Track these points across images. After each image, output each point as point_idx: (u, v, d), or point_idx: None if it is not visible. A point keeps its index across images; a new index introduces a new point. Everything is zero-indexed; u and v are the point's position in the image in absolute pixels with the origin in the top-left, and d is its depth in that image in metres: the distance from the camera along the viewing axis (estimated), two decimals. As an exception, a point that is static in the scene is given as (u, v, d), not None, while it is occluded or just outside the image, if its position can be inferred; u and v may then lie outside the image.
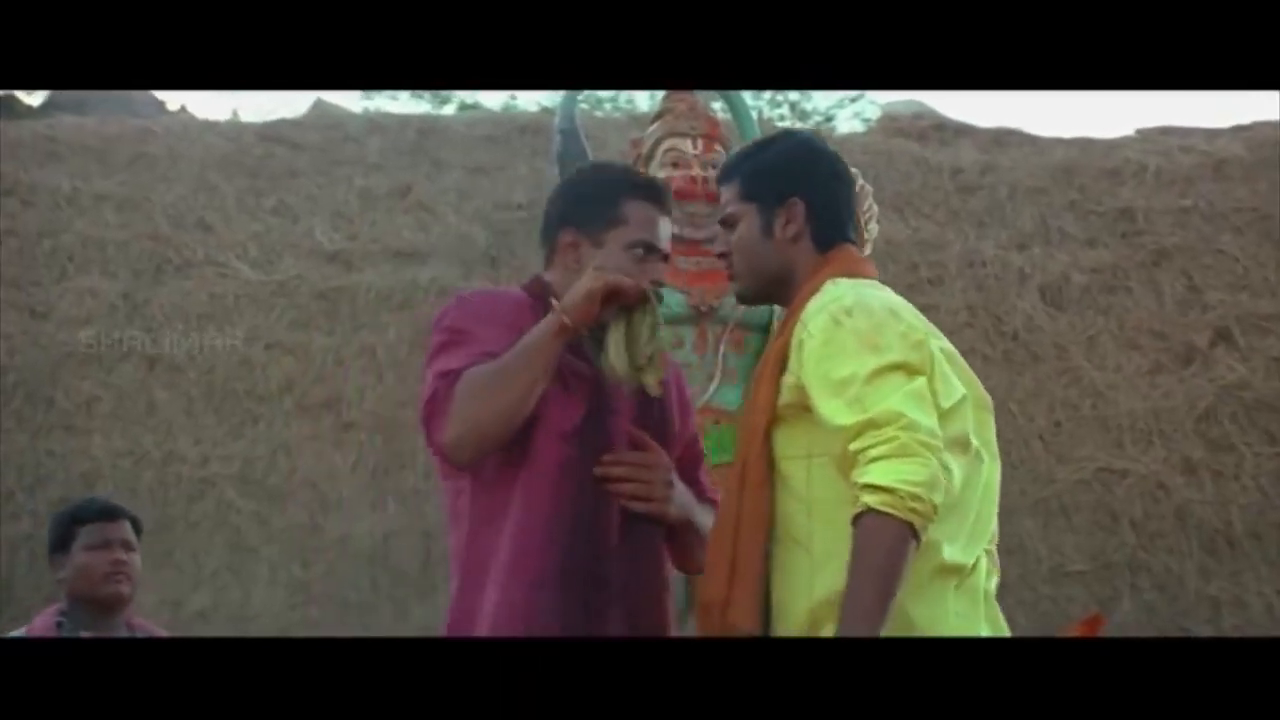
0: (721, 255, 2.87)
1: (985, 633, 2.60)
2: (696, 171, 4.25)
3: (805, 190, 2.77)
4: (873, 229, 4.38)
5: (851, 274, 2.72)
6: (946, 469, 2.46)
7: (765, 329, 4.16)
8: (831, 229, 2.78)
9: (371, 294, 8.31)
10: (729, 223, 2.82)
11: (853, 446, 2.45)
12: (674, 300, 4.13)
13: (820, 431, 2.55)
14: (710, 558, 2.66)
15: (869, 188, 4.33)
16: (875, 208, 4.38)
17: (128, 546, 4.00)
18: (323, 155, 9.13)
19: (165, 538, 7.43)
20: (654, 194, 2.85)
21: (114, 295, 8.23)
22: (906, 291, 7.78)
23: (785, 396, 2.62)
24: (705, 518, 2.82)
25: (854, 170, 4.23)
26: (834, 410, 2.50)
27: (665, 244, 2.84)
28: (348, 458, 7.74)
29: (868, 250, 4.34)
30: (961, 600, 2.59)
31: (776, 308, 4.02)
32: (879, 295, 2.67)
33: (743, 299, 2.91)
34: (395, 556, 7.38)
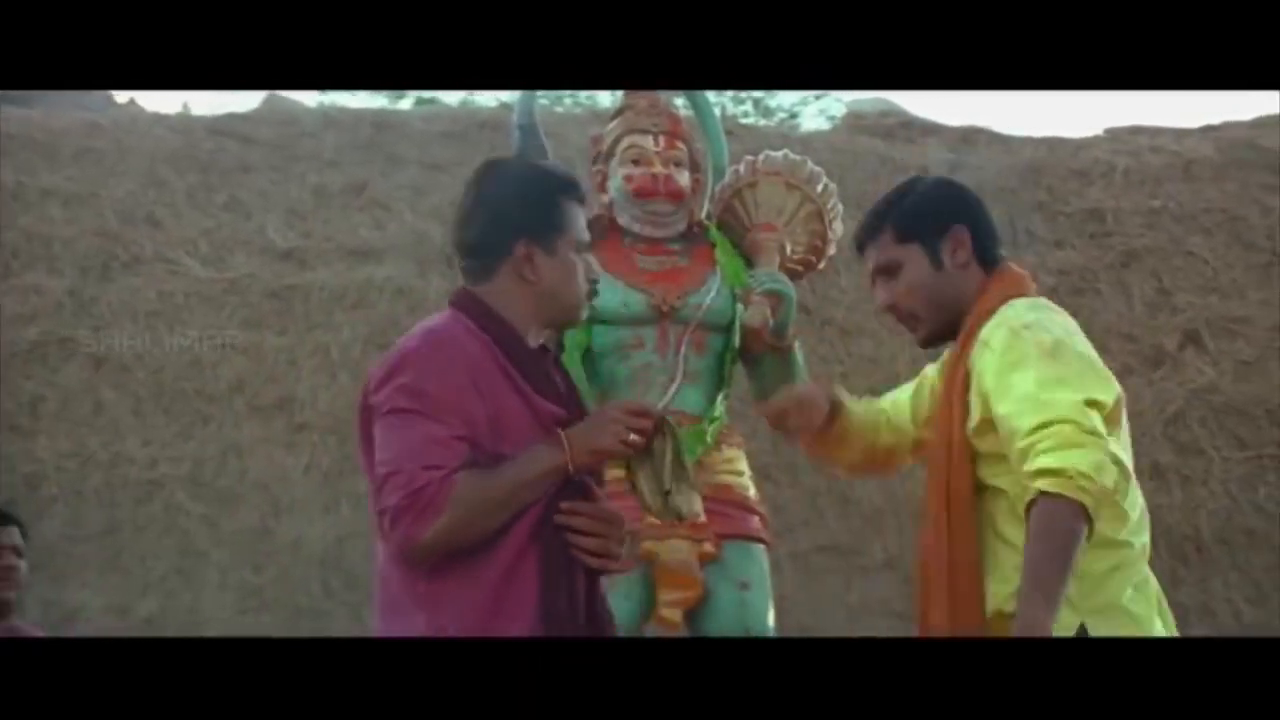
0: (889, 309, 2.96)
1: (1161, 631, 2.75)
2: (658, 169, 4.16)
3: (965, 217, 2.89)
4: (838, 228, 4.30)
5: (1024, 293, 2.84)
6: (1120, 465, 2.57)
7: (727, 330, 4.08)
8: (993, 249, 2.90)
9: (325, 293, 8.28)
10: (889, 271, 2.91)
11: (1021, 444, 2.58)
12: (634, 300, 4.08)
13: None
14: (929, 592, 2.79)
15: (834, 187, 4.25)
16: (840, 207, 4.29)
17: (16, 552, 3.99)
18: (276, 150, 9.08)
19: (112, 541, 7.41)
20: (578, 190, 2.84)
21: (60, 293, 8.17)
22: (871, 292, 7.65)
23: (975, 415, 2.72)
24: None
25: (818, 169, 4.20)
26: (1009, 413, 2.62)
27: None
28: (300, 460, 7.72)
29: (831, 250, 4.26)
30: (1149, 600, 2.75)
31: (739, 306, 3.96)
32: (1059, 318, 2.80)
33: (927, 343, 2.99)
34: (349, 560, 7.32)
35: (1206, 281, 8.54)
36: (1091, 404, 2.59)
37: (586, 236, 2.80)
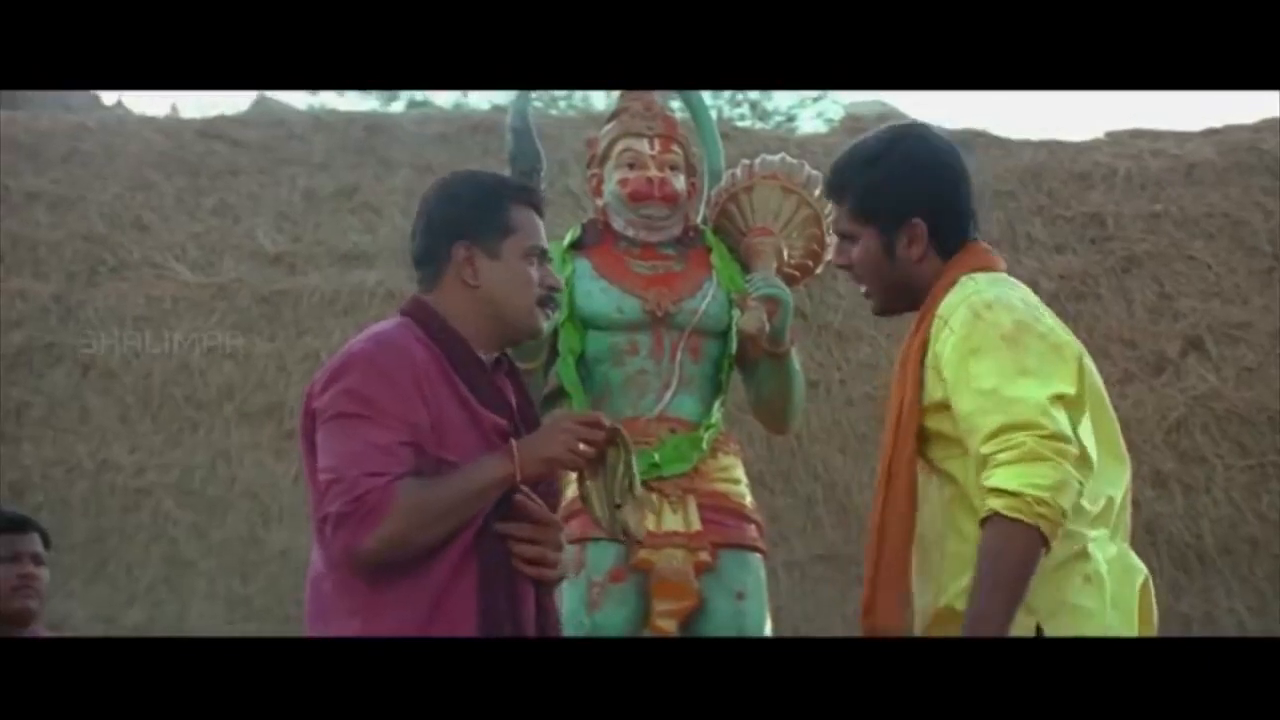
0: (843, 267, 2.90)
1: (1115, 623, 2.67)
2: (653, 173, 4.11)
3: (924, 209, 2.75)
4: (836, 232, 4.22)
5: (984, 268, 2.75)
6: (1079, 479, 2.51)
7: (723, 336, 4.03)
8: (954, 237, 2.78)
9: (316, 297, 8.29)
10: (848, 238, 2.83)
11: (984, 450, 2.52)
12: (628, 305, 4.03)
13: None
14: (865, 561, 2.76)
15: (832, 190, 4.17)
16: (838, 211, 4.21)
17: (37, 560, 3.93)
18: (265, 153, 9.13)
19: (99, 550, 7.43)
20: (532, 197, 2.85)
21: (46, 297, 8.19)
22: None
23: (932, 395, 2.67)
24: None
25: (815, 173, 4.13)
26: (971, 411, 2.57)
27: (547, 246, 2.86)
28: (290, 467, 7.68)
29: (829, 255, 4.18)
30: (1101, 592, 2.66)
31: (735, 312, 3.90)
32: (1018, 293, 2.71)
33: (878, 312, 2.95)
34: (338, 570, 7.27)
35: (1208, 287, 8.54)
36: (1056, 399, 2.52)
37: (541, 243, 2.78)
